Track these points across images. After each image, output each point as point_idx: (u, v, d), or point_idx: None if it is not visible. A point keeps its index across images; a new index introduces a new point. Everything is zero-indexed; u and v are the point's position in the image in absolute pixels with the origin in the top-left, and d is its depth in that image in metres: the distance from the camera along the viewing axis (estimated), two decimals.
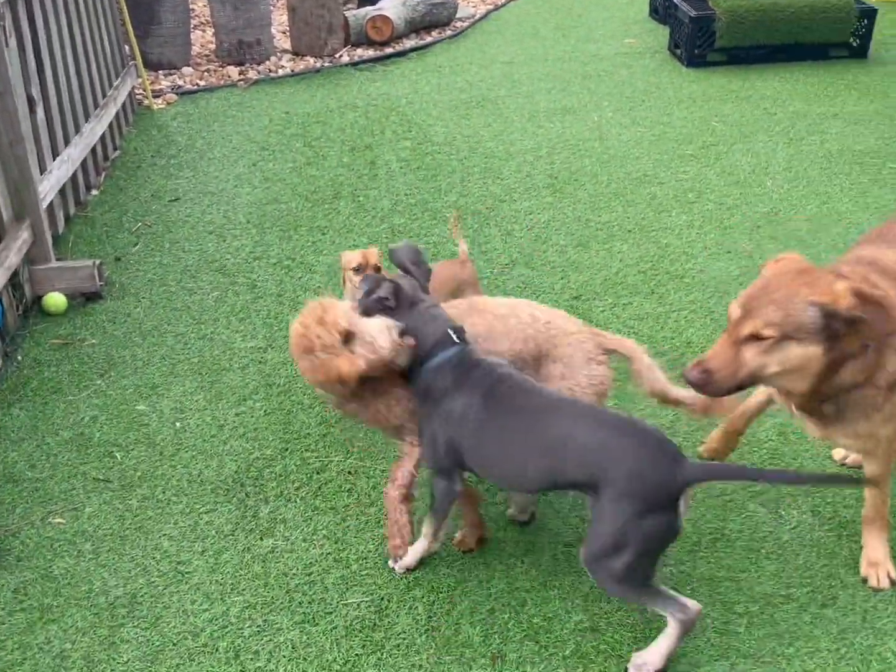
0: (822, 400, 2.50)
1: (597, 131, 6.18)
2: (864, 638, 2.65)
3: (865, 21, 7.22)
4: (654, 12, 8.53)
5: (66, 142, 4.94)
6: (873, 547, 2.83)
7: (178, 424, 3.60)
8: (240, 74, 7.42)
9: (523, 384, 2.62)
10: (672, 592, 2.48)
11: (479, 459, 2.65)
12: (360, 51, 7.88)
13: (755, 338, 2.37)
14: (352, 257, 3.51)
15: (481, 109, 6.59)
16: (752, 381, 2.46)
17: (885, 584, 2.78)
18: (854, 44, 7.33)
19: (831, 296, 2.32)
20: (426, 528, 2.86)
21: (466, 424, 2.60)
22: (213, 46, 7.88)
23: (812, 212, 5.05)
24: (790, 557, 2.92)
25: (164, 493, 3.27)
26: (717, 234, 4.86)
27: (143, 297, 4.44)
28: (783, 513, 3.09)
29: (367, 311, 2.70)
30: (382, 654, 2.65)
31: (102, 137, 5.64)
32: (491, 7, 9.07)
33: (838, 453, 3.30)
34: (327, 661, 2.64)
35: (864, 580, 2.81)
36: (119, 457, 3.44)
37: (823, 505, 3.12)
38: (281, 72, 7.49)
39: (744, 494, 3.17)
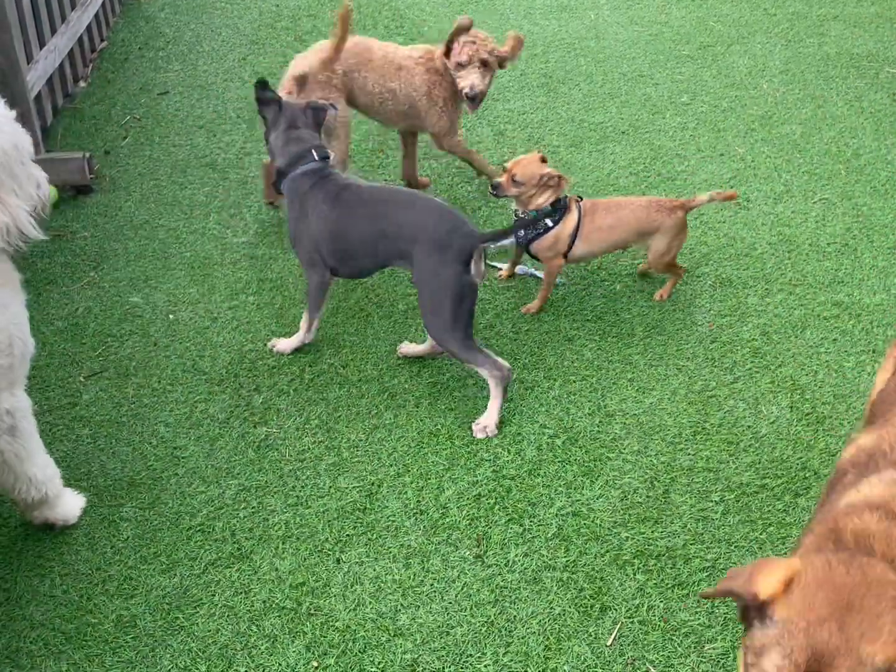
0: None
1: (593, 30, 6.07)
2: None
3: None
4: None
5: (53, 31, 4.84)
6: None
7: (171, 317, 3.65)
8: None
9: (363, 190, 3.24)
10: (490, 353, 3.11)
11: (332, 253, 3.25)
12: None
13: None
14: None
15: (476, 5, 6.46)
16: None
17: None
18: None
19: None
20: (302, 322, 3.42)
21: (320, 223, 3.21)
22: None
23: (807, 115, 5.02)
24: (767, 450, 3.03)
25: (159, 382, 3.34)
26: (710, 136, 4.85)
27: (134, 191, 4.43)
28: (763, 408, 3.19)
29: (260, 112, 3.42)
30: (372, 535, 2.76)
31: (89, 28, 5.52)
32: None
33: None
34: (319, 540, 2.75)
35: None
36: (114, 347, 3.49)
37: (802, 401, 3.21)
38: None
39: (725, 391, 3.26)
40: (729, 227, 4.11)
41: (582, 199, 3.62)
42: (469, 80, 3.95)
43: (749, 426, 3.12)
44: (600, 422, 3.15)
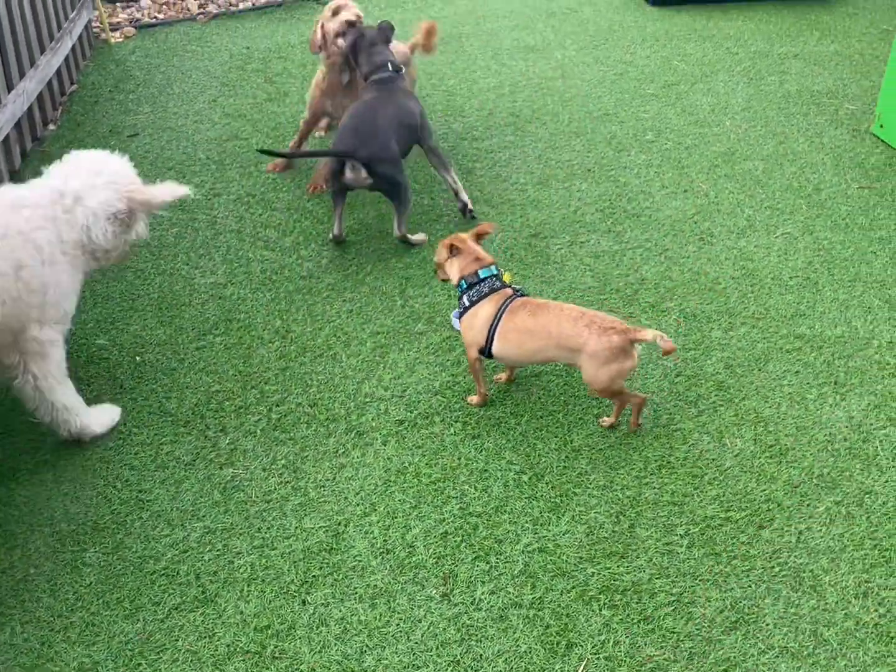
0: None
1: (559, 70, 6.18)
2: (798, 557, 2.79)
3: None
4: None
5: (21, 75, 4.87)
6: None
7: (137, 358, 3.64)
8: (199, 8, 7.29)
9: (402, 93, 4.34)
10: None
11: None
12: None
13: None
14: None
15: (445, 46, 6.54)
16: None
17: None
18: None
19: None
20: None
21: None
22: None
23: (769, 151, 5.12)
24: (731, 483, 3.05)
25: (124, 425, 3.32)
26: (674, 173, 4.93)
27: None
28: (727, 441, 3.21)
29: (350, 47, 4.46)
30: (338, 576, 2.75)
31: (59, 71, 5.56)
32: None
33: None
34: (285, 582, 2.73)
35: None
36: (81, 390, 3.47)
37: (766, 433, 3.24)
38: (241, 6, 7.38)
39: (690, 424, 3.29)
40: (693, 262, 4.17)
41: (522, 292, 3.29)
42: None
43: (713, 459, 3.14)
44: (567, 457, 3.16)
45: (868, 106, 5.55)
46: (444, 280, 3.44)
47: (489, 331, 3.20)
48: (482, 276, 3.25)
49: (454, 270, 3.32)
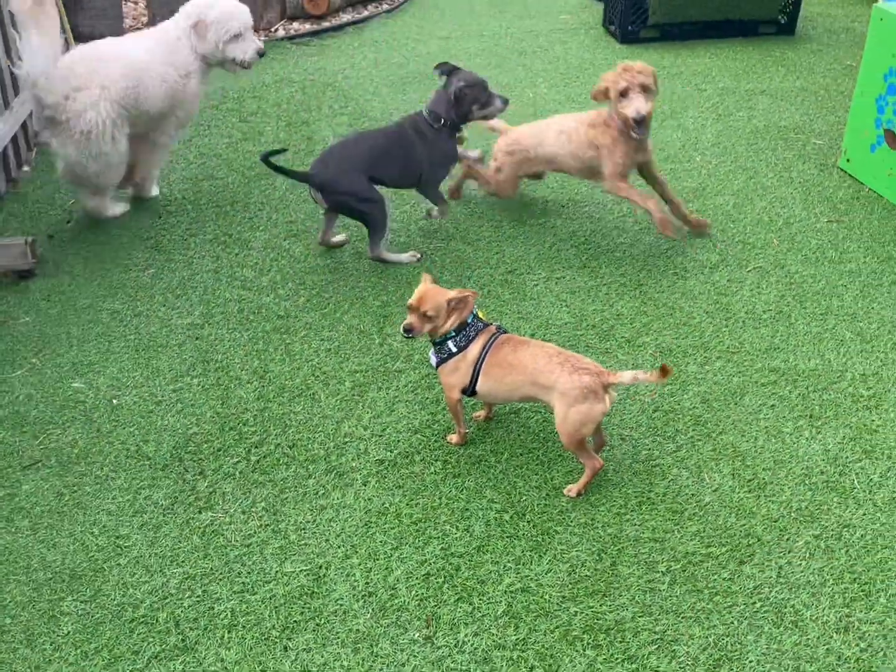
0: None
1: (531, 107, 6.25)
2: (779, 592, 2.80)
3: None
4: None
5: None
6: None
7: (115, 401, 3.61)
8: None
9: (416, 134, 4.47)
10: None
11: None
12: (296, 24, 7.84)
13: None
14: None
15: (418, 84, 6.62)
16: None
17: None
18: (782, 21, 7.51)
19: None
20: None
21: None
22: (145, 19, 7.75)
23: (739, 186, 5.20)
24: (711, 518, 3.06)
25: (101, 469, 3.29)
26: None
27: (78, 275, 4.42)
28: (705, 476, 3.23)
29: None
30: (320, 621, 2.73)
31: (33, 113, 5.53)
32: None
33: None
34: (266, 628, 2.71)
35: None
36: (56, 434, 3.44)
37: (744, 468, 3.27)
38: None
39: (669, 460, 3.30)
40: (667, 297, 4.21)
41: (503, 329, 3.30)
42: (633, 105, 4.24)
43: (693, 494, 3.16)
44: (547, 495, 3.17)
45: (834, 140, 5.66)
46: (416, 334, 3.19)
47: (475, 368, 3.20)
48: (468, 321, 3.23)
49: (450, 323, 3.21)
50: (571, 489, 3.15)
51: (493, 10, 8.33)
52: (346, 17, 8.00)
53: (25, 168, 5.37)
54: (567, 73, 6.83)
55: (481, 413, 3.51)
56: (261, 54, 4.96)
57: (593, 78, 6.70)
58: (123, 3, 7.77)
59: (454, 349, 3.22)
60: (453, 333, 3.21)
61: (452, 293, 3.19)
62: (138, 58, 4.55)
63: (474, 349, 3.21)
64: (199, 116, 6.11)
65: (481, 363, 3.19)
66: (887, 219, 4.83)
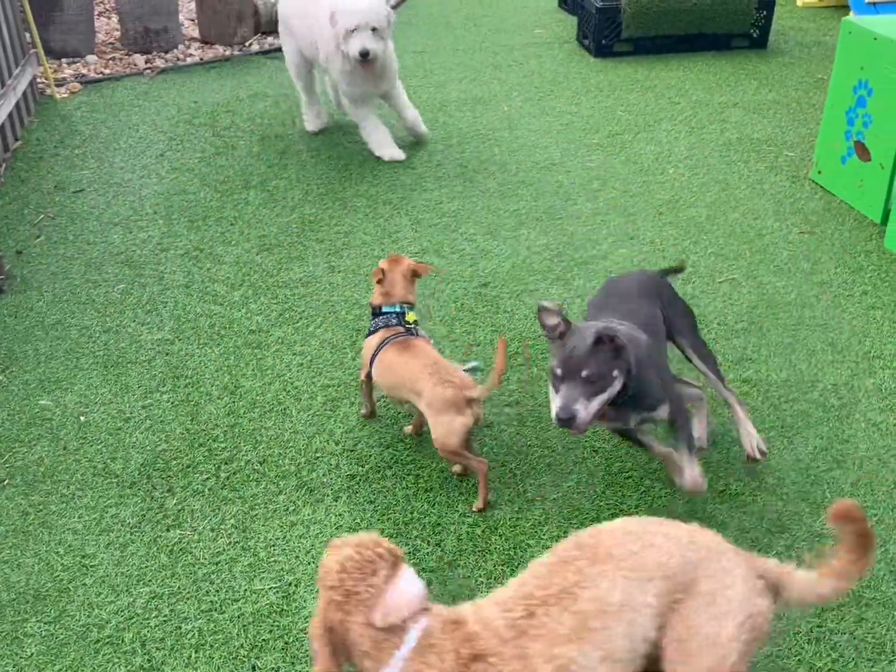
0: None
1: (506, 121, 6.27)
2: None
3: (765, 12, 7.47)
4: (563, 3, 8.66)
5: None
6: None
7: (82, 418, 3.56)
8: (146, 63, 7.30)
9: None
10: None
11: None
12: (270, 39, 7.83)
13: None
14: None
15: None
16: None
17: None
18: (754, 34, 7.58)
19: None
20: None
21: None
22: (118, 34, 7.73)
23: (711, 199, 5.22)
24: None
25: (68, 487, 3.24)
26: (620, 221, 5.00)
27: (46, 291, 4.37)
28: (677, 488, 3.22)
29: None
30: (289, 639, 2.69)
31: (2, 128, 5.51)
32: None
33: None
34: (234, 647, 2.67)
35: None
36: (21, 453, 3.39)
37: (716, 479, 3.26)
38: (189, 60, 7.40)
39: (641, 472, 3.29)
40: None
41: (415, 331, 3.33)
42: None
43: (665, 506, 3.15)
44: (520, 508, 3.15)
45: (806, 153, 5.70)
46: (374, 276, 3.44)
47: (371, 358, 3.32)
48: (384, 311, 3.37)
49: (374, 295, 3.43)
50: (477, 505, 3.14)
51: (468, 24, 8.37)
52: None
53: None
54: (542, 87, 6.86)
55: (409, 428, 3.51)
56: None
57: (567, 91, 6.76)
58: (96, 17, 7.74)
59: (371, 329, 3.38)
60: (375, 312, 3.39)
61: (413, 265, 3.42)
62: None
63: (374, 339, 3.34)
64: (173, 131, 6.10)
65: (375, 356, 3.30)
66: (858, 230, 4.86)
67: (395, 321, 3.35)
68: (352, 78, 5.41)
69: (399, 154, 5.68)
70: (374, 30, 5.12)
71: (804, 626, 2.71)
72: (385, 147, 5.68)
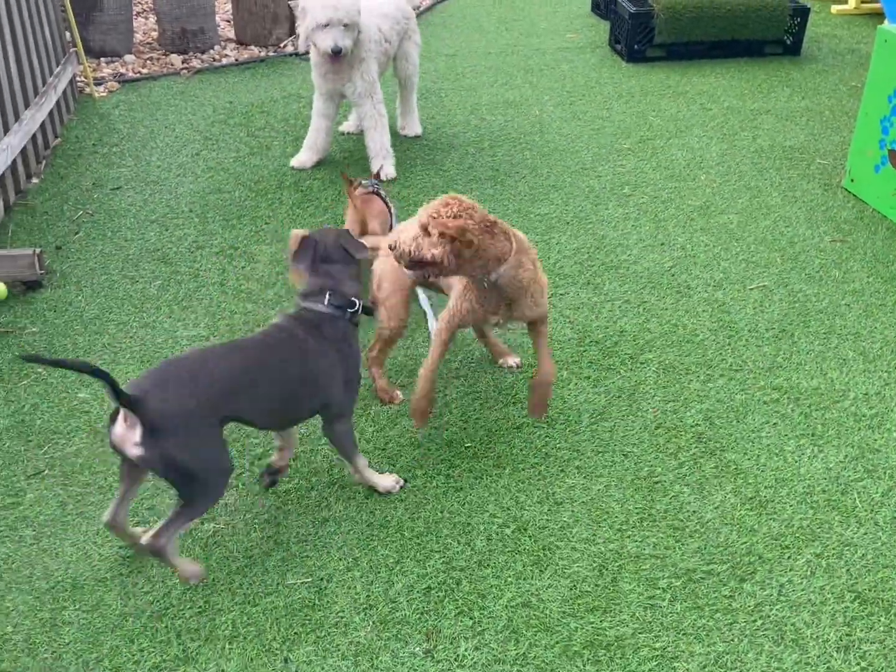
0: None
1: (538, 125, 6.30)
2: (780, 610, 2.80)
3: (799, 19, 7.45)
4: (596, 8, 8.68)
5: (6, 130, 4.91)
6: None
7: None
8: (183, 63, 7.39)
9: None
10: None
11: None
12: None
13: None
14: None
15: (424, 101, 6.66)
16: None
17: None
18: (788, 41, 7.56)
19: None
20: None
21: None
22: (156, 34, 7.83)
23: (743, 205, 5.22)
24: (712, 535, 3.06)
25: (105, 479, 3.30)
26: (651, 226, 5.01)
27: (85, 286, 4.45)
28: (707, 493, 3.24)
29: None
30: (321, 633, 2.73)
31: (43, 125, 5.60)
32: None
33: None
34: (266, 640, 2.71)
35: None
36: (60, 444, 3.46)
37: (745, 485, 3.27)
38: (225, 61, 7.49)
39: (671, 476, 3.31)
40: (671, 314, 4.23)
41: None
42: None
43: (694, 511, 3.17)
44: (549, 510, 3.17)
45: (839, 161, 5.69)
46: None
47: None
48: None
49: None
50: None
51: (500, 27, 8.40)
52: None
53: (34, 180, 5.41)
54: (573, 92, 6.88)
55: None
56: None
57: (599, 96, 6.77)
58: (134, 17, 7.85)
59: None
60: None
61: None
62: None
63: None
64: (208, 131, 6.17)
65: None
66: (891, 239, 4.85)
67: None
68: (318, 70, 5.41)
69: (305, 163, 5.65)
70: (345, 26, 5.07)
71: (833, 634, 2.72)
72: (302, 150, 5.69)
